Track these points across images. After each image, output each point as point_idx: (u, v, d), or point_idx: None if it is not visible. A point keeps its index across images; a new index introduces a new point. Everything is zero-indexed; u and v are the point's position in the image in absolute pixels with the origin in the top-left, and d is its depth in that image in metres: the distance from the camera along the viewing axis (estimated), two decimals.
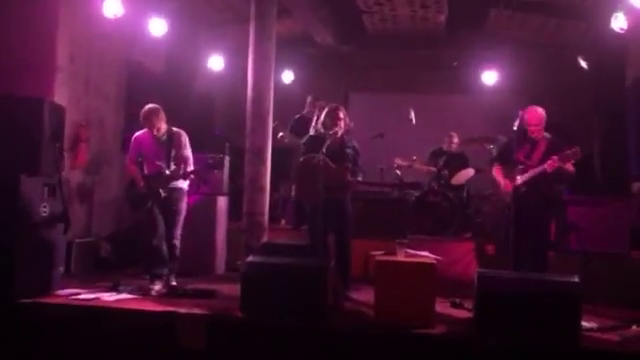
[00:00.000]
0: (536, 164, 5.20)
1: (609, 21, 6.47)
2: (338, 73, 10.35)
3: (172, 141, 5.59)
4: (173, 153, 5.56)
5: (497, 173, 5.56)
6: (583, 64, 8.22)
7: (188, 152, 5.67)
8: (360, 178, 5.53)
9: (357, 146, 5.58)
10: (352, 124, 5.64)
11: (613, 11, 6.43)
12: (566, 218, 5.86)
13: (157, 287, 5.33)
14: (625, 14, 6.32)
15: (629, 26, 6.37)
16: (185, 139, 5.68)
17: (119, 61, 7.71)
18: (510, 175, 5.24)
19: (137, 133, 5.72)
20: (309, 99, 7.71)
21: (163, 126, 5.61)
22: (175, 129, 5.71)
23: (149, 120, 5.54)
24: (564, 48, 8.81)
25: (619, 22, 6.37)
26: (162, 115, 5.61)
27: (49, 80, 6.37)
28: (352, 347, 4.24)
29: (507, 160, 5.38)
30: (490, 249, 6.60)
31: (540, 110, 5.32)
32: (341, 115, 5.46)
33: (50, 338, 4.55)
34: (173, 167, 5.52)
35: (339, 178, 5.25)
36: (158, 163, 5.54)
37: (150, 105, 5.63)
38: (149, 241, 5.47)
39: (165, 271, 5.53)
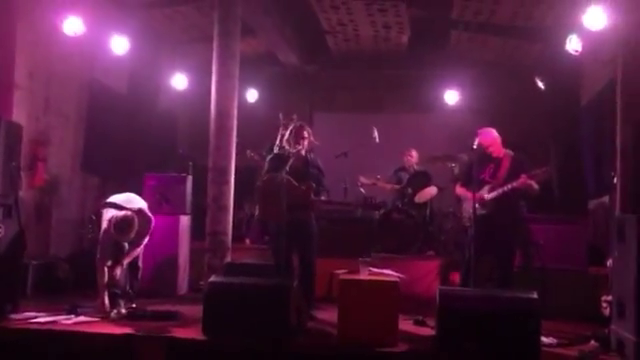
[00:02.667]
0: (502, 182, 5.30)
1: (564, 43, 6.68)
2: (302, 93, 10.40)
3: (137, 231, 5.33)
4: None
5: (461, 190, 5.65)
6: (540, 84, 8.45)
7: (146, 239, 5.53)
8: (324, 197, 5.53)
9: (321, 165, 5.59)
10: (317, 143, 5.66)
11: (568, 33, 6.63)
12: (529, 235, 5.97)
13: (117, 309, 5.21)
14: (579, 37, 6.53)
15: (583, 48, 6.58)
16: (150, 226, 5.52)
17: (80, 79, 7.60)
18: (474, 192, 5.31)
19: (107, 229, 5.27)
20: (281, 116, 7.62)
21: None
22: (147, 217, 5.47)
23: (123, 233, 5.20)
24: (522, 69, 9.05)
25: (573, 44, 6.57)
26: (137, 225, 5.25)
27: (6, 98, 6.26)
28: None
29: (469, 180, 5.47)
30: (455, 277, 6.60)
31: (492, 131, 5.47)
32: (305, 134, 5.46)
33: None
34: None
35: (302, 197, 5.24)
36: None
37: (126, 216, 5.21)
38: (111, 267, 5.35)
39: (127, 287, 5.47)
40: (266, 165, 5.60)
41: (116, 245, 5.32)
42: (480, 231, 5.16)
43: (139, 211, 5.40)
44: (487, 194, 5.33)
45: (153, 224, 5.55)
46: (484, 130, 5.48)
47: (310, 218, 5.42)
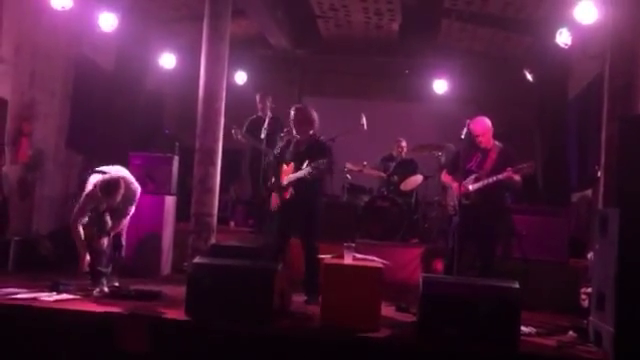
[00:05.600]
0: (488, 173, 5.31)
1: (554, 36, 6.71)
2: (292, 76, 10.38)
3: (123, 197, 5.28)
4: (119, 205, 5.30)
5: (447, 178, 5.67)
6: (529, 77, 8.49)
7: (132, 209, 5.45)
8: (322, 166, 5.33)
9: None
10: None
11: (558, 27, 6.66)
12: (513, 226, 6.02)
13: (99, 287, 5.19)
14: (569, 30, 6.56)
15: (573, 42, 6.61)
16: (136, 196, 5.44)
17: (67, 55, 7.49)
18: (461, 182, 5.35)
19: (92, 191, 5.20)
20: (258, 97, 7.64)
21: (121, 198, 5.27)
22: (133, 186, 5.39)
23: (109, 195, 5.13)
24: (512, 60, 9.09)
25: (563, 38, 6.61)
26: (122, 189, 5.18)
27: None
28: (298, 350, 4.24)
29: (455, 169, 5.49)
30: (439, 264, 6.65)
31: (485, 120, 5.43)
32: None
33: None
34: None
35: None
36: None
37: (110, 178, 5.18)
38: (96, 240, 5.32)
39: (109, 270, 5.41)
40: (275, 155, 5.62)
41: (100, 217, 5.28)
42: (464, 220, 5.19)
43: (125, 178, 5.36)
44: (472, 185, 5.35)
45: (139, 193, 5.49)
46: (477, 118, 5.42)
47: (315, 199, 5.38)
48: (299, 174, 5.25)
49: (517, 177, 5.21)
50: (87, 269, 5.16)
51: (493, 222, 5.42)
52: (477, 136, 5.36)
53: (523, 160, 5.35)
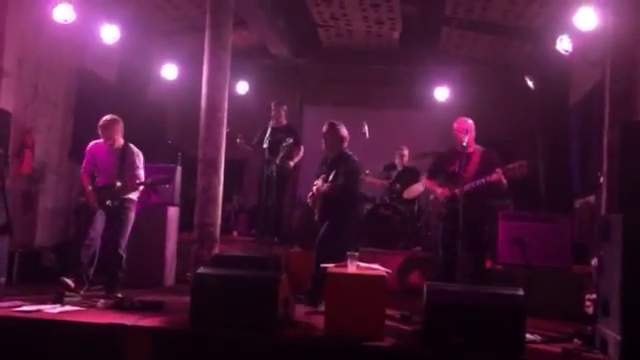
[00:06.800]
0: (472, 175, 5.27)
1: (555, 43, 6.73)
2: (293, 85, 10.41)
3: (126, 157, 5.58)
4: (126, 169, 5.56)
5: (430, 184, 5.67)
6: (530, 84, 8.50)
7: (140, 173, 5.68)
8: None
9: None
10: None
11: (559, 34, 6.68)
12: (496, 230, 6.02)
13: (113, 294, 5.26)
14: (570, 37, 6.58)
15: (573, 48, 6.63)
16: (140, 161, 5.69)
17: (69, 68, 7.54)
18: (447, 185, 5.36)
19: (92, 143, 5.69)
20: (273, 105, 7.66)
21: (120, 139, 5.61)
22: (133, 148, 5.70)
23: (106, 130, 5.56)
24: (512, 67, 9.11)
25: (564, 44, 6.63)
26: (120, 127, 5.64)
27: None
28: (302, 359, 4.23)
29: (437, 172, 5.54)
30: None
31: (468, 119, 5.49)
32: None
33: None
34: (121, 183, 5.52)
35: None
36: (110, 175, 5.52)
37: (110, 116, 5.64)
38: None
39: (90, 271, 5.53)
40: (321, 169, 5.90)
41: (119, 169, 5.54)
42: (453, 226, 5.15)
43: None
44: (458, 188, 5.25)
45: (142, 157, 5.72)
46: (461, 118, 5.51)
47: (335, 215, 5.56)
48: (317, 188, 5.66)
49: (504, 179, 5.18)
50: (96, 205, 5.47)
51: (483, 226, 5.40)
52: (460, 132, 5.36)
53: (513, 160, 5.31)
